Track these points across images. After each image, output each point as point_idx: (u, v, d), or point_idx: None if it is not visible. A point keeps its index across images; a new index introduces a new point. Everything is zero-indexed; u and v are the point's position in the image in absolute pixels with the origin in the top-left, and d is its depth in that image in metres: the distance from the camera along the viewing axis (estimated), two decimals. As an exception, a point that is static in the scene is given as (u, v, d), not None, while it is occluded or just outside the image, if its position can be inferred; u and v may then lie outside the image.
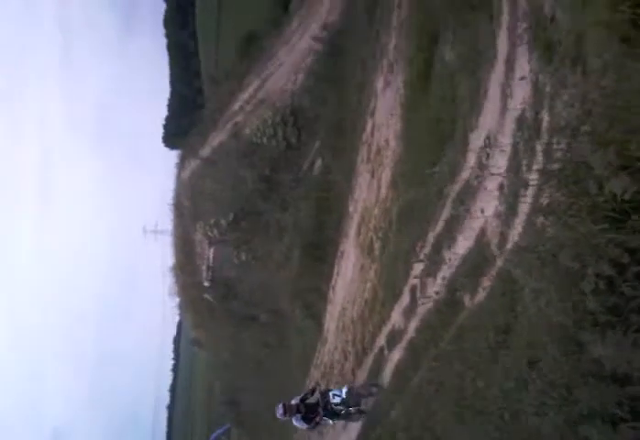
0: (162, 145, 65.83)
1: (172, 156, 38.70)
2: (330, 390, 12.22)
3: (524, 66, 8.37)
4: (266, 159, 25.68)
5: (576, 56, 6.21)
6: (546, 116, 7.72)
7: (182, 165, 34.54)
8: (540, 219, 6.17)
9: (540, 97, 7.75)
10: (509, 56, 9.04)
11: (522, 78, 8.46)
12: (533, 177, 7.03)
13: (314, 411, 11.69)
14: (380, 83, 17.64)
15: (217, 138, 30.29)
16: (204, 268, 29.26)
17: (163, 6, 65.39)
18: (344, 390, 12.16)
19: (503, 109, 9.62)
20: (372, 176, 17.36)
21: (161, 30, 66.60)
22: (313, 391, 12.03)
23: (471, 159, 10.73)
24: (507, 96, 9.45)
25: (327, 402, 11.80)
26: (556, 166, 5.97)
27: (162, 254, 38.60)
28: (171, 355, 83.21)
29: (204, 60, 51.15)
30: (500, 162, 9.42)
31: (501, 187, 9.23)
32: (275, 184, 25.06)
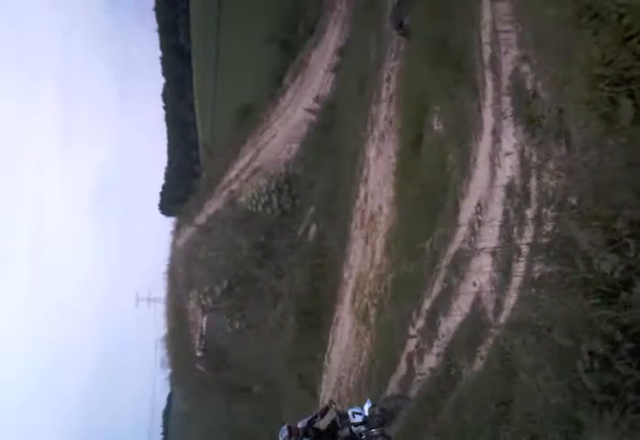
0: (159, 212, 66.28)
1: (168, 223, 38.88)
2: (349, 409, 10.33)
3: (509, 137, 8.63)
4: (261, 226, 25.85)
5: (559, 130, 6.42)
6: (534, 185, 7.89)
7: (177, 232, 34.71)
8: (532, 292, 6.14)
9: (527, 167, 7.96)
10: (495, 127, 9.35)
11: (507, 154, 8.69)
12: (524, 250, 7.07)
13: (325, 437, 9.94)
14: (372, 152, 18.09)
15: (213, 206, 30.64)
16: (196, 337, 28.69)
17: (161, 80, 68.26)
18: (366, 406, 10.39)
19: (493, 177, 9.82)
20: (366, 242, 17.44)
21: (159, 101, 69.11)
22: (324, 412, 10.30)
23: (464, 226, 10.83)
24: (495, 165, 9.68)
25: (346, 424, 9.97)
26: (545, 240, 6.02)
27: (155, 323, 37.91)
28: (161, 429, 79.47)
29: (202, 130, 52.57)
30: (492, 229, 9.51)
31: (494, 253, 9.26)
32: (270, 251, 25.08)
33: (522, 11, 7.52)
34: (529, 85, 7.48)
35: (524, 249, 7.22)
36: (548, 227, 6.12)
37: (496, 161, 9.63)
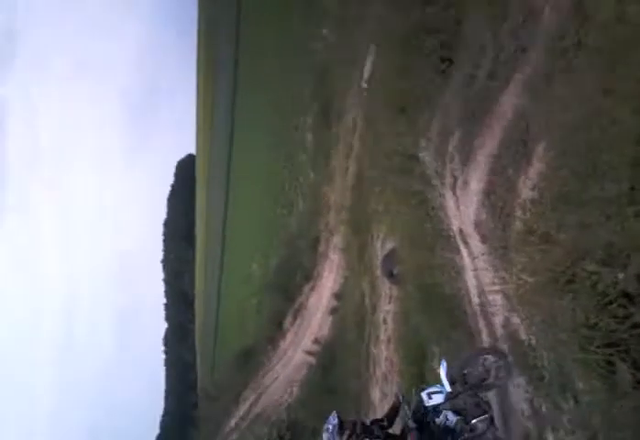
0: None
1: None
2: (422, 392, 7.07)
3: (515, 387, 8.44)
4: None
5: (562, 384, 6.30)
6: (551, 438, 7.44)
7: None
8: None
9: (539, 418, 7.58)
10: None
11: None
12: None
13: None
14: (376, 394, 17.51)
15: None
16: None
17: (164, 324, 69.97)
18: (442, 370, 7.13)
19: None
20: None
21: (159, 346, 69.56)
22: (393, 414, 7.17)
23: None
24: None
25: (421, 411, 6.74)
26: None
27: None
28: None
29: (201, 375, 51.62)
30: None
31: None
32: None
33: (502, 272, 8.12)
34: (523, 336, 7.63)
35: None
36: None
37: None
